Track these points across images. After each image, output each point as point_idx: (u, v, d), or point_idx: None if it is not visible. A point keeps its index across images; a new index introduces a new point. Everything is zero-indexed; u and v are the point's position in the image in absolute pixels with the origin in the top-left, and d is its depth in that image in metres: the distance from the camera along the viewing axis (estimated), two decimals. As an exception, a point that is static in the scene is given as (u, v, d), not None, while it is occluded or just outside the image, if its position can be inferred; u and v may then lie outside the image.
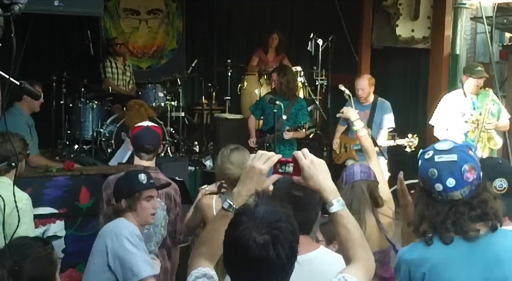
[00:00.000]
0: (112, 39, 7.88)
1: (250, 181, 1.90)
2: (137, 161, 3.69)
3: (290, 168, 1.92)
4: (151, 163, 3.68)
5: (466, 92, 5.89)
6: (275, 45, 8.12)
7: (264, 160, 1.91)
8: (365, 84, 6.41)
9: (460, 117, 5.88)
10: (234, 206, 1.88)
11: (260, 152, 1.95)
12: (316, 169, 1.90)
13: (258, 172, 1.90)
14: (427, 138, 7.29)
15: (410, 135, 5.98)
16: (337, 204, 1.89)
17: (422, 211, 2.07)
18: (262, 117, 6.64)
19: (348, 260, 1.91)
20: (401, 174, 2.55)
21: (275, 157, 1.92)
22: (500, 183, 2.37)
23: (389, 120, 6.45)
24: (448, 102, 6.02)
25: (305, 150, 1.95)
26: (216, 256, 1.90)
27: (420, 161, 2.09)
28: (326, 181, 1.91)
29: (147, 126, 3.76)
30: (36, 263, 2.22)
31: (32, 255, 2.22)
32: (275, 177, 1.94)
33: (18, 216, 2.76)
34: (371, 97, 6.47)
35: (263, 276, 1.63)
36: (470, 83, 5.84)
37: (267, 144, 6.32)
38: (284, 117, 6.23)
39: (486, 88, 5.94)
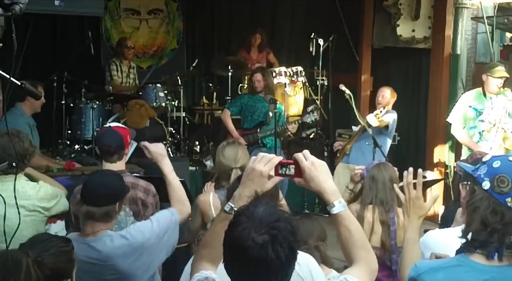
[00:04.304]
0: (123, 39, 7.79)
1: (251, 183, 1.89)
2: (104, 164, 3.48)
3: (291, 170, 1.91)
4: (116, 166, 3.42)
5: (486, 92, 5.89)
6: (257, 44, 8.14)
7: (265, 162, 1.90)
8: (388, 93, 6.45)
9: (477, 116, 5.88)
10: (235, 209, 1.87)
11: (261, 154, 1.94)
12: (317, 170, 1.89)
13: (259, 174, 1.89)
14: (428, 137, 7.30)
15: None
16: (338, 206, 1.88)
17: (486, 216, 1.90)
18: (239, 115, 6.67)
19: (350, 262, 1.90)
20: (410, 169, 2.44)
21: (276, 159, 1.91)
22: None
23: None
24: (466, 100, 6.02)
25: (306, 151, 1.93)
26: (218, 258, 1.88)
27: (499, 161, 1.94)
28: (327, 182, 1.89)
29: (109, 126, 3.64)
30: (57, 257, 2.29)
31: (53, 249, 2.30)
32: (277, 179, 1.93)
33: (19, 216, 2.76)
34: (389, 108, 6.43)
35: (263, 276, 1.63)
36: (490, 83, 5.83)
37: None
38: (270, 113, 6.27)
39: (505, 88, 5.92)
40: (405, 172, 2.38)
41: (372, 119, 5.92)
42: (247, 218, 1.65)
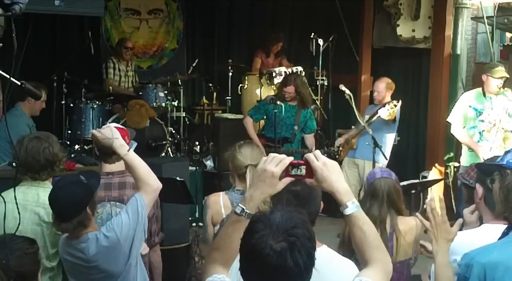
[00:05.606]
0: (123, 40, 7.77)
1: (262, 184, 1.87)
2: (103, 165, 3.44)
3: (302, 171, 1.89)
4: (116, 166, 3.38)
5: (485, 92, 5.90)
6: (277, 51, 8.14)
7: (276, 162, 1.87)
8: (382, 87, 6.41)
9: (477, 116, 5.89)
10: (247, 211, 1.85)
11: (272, 154, 1.91)
12: (329, 171, 1.86)
13: (270, 175, 1.86)
14: (428, 137, 7.30)
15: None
16: (351, 206, 1.86)
17: None
18: (264, 119, 6.45)
19: (364, 263, 1.88)
20: (431, 196, 2.48)
21: (287, 159, 1.89)
22: None
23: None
24: (466, 100, 6.03)
25: (317, 152, 1.92)
26: (230, 261, 1.88)
27: None
28: (339, 182, 1.87)
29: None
30: (22, 259, 2.28)
31: (19, 251, 2.28)
32: (287, 180, 1.90)
33: (19, 216, 2.76)
34: (387, 101, 6.34)
35: None
36: (490, 83, 5.82)
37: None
38: (296, 127, 6.18)
39: (506, 89, 5.92)
40: (427, 200, 2.41)
41: (385, 113, 5.94)
42: (263, 224, 1.63)
